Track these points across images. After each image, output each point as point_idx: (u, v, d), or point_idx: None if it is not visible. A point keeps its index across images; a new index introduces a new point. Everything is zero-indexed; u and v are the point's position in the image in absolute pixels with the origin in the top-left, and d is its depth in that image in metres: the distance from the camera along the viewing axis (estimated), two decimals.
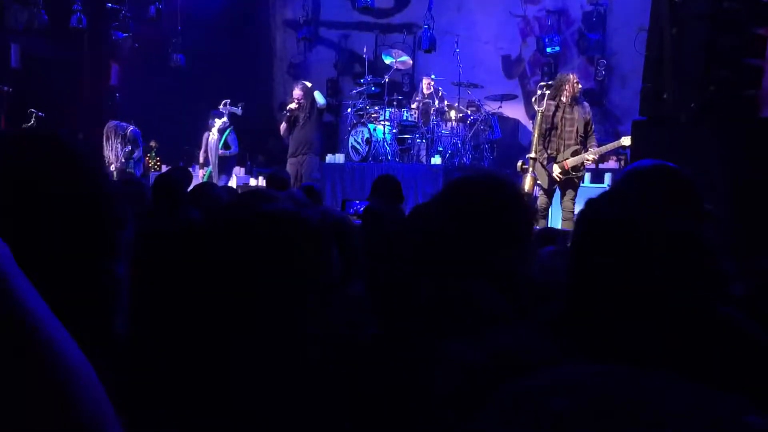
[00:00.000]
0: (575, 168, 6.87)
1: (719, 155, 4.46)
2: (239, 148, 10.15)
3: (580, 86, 6.97)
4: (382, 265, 2.59)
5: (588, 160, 6.90)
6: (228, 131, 9.71)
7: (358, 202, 5.32)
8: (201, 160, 10.04)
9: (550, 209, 7.18)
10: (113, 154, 9.18)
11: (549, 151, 6.92)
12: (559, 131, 6.88)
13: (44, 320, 0.62)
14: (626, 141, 6.54)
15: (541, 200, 7.00)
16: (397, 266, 2.07)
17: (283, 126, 9.14)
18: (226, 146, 9.81)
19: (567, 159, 6.84)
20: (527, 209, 1.79)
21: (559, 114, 6.87)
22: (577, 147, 6.85)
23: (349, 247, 1.64)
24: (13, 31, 10.96)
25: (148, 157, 11.31)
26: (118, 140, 9.17)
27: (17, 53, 10.97)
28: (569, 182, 6.96)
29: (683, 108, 4.58)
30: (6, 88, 10.12)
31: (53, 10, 10.73)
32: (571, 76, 7.01)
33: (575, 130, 6.85)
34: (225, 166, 9.82)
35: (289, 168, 8.77)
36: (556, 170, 6.88)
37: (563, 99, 6.85)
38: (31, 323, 0.61)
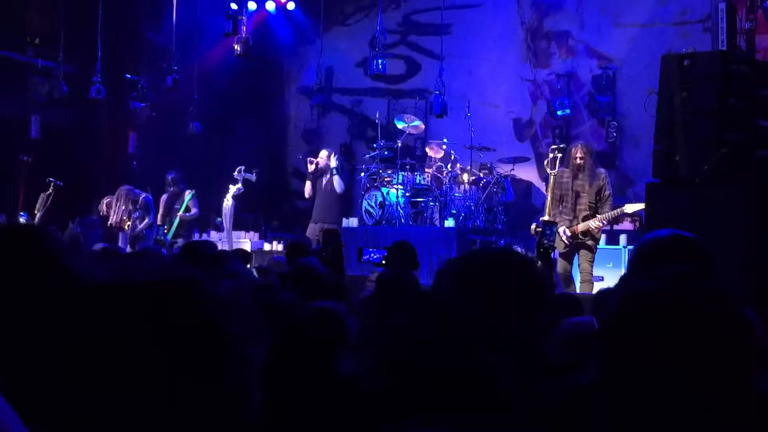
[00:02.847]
0: (584, 233, 6.92)
1: (733, 217, 4.44)
2: (205, 208, 10.04)
3: (579, 157, 7.00)
4: (397, 334, 2.56)
5: (591, 227, 6.92)
6: (190, 195, 9.75)
7: (372, 250, 5.31)
8: (159, 222, 9.93)
9: (573, 273, 7.18)
10: (118, 216, 9.23)
11: (563, 215, 6.98)
12: (571, 196, 6.97)
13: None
14: (629, 208, 6.82)
15: (560, 265, 7.00)
16: (412, 336, 2.05)
17: (308, 187, 9.43)
18: (187, 209, 9.81)
19: (577, 225, 6.94)
20: (539, 281, 1.79)
21: (570, 180, 6.97)
22: (587, 213, 6.94)
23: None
24: (34, 102, 11.25)
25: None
26: (129, 205, 9.25)
27: (37, 124, 11.22)
28: (582, 245, 7.00)
29: (696, 170, 4.59)
30: (26, 158, 10.31)
31: (73, 82, 11.02)
32: (573, 148, 7.12)
33: (586, 197, 6.93)
34: (185, 229, 9.80)
35: (309, 233, 9.03)
36: (566, 233, 6.93)
37: (571, 167, 7.00)
38: None
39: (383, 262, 4.57)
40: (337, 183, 9.37)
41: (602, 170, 7.24)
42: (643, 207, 6.99)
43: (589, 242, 7.01)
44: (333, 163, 9.40)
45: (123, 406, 0.80)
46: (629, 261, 1.84)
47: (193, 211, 9.80)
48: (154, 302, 0.87)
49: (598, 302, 3.07)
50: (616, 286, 1.38)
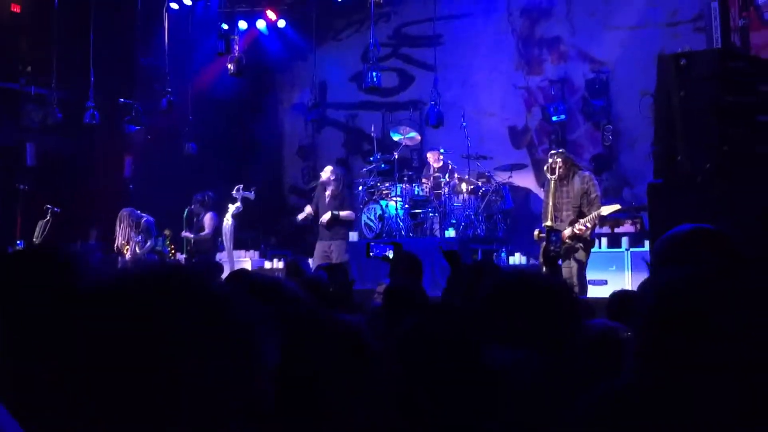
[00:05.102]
0: (571, 237, 6.97)
1: (737, 214, 4.42)
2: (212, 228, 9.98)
3: (558, 167, 7.08)
4: (409, 344, 2.55)
5: (576, 231, 6.92)
6: (185, 213, 9.72)
7: (378, 245, 5.22)
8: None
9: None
10: (123, 239, 9.18)
11: (558, 221, 7.07)
12: (561, 201, 7.10)
13: None
14: (604, 210, 6.87)
15: (565, 270, 7.00)
16: (427, 346, 2.03)
17: (307, 210, 9.50)
18: (201, 229, 9.78)
19: (564, 231, 6.99)
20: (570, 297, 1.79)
21: (556, 188, 7.10)
22: (573, 218, 7.01)
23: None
24: (29, 129, 11.22)
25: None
26: (132, 228, 9.19)
27: (32, 151, 11.20)
28: (572, 249, 7.04)
29: (698, 169, 4.57)
30: (22, 187, 10.28)
31: (67, 108, 11.00)
32: (551, 158, 7.17)
33: (570, 201, 7.02)
34: (195, 247, 9.76)
35: (317, 251, 8.99)
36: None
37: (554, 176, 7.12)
38: None
39: (388, 255, 4.52)
40: (348, 216, 9.28)
41: (587, 173, 7.27)
42: (618, 208, 7.05)
43: (578, 246, 7.00)
44: (336, 190, 9.28)
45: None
46: (652, 261, 1.80)
47: (206, 231, 9.79)
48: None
49: (611, 305, 3.05)
50: (646, 283, 1.34)
